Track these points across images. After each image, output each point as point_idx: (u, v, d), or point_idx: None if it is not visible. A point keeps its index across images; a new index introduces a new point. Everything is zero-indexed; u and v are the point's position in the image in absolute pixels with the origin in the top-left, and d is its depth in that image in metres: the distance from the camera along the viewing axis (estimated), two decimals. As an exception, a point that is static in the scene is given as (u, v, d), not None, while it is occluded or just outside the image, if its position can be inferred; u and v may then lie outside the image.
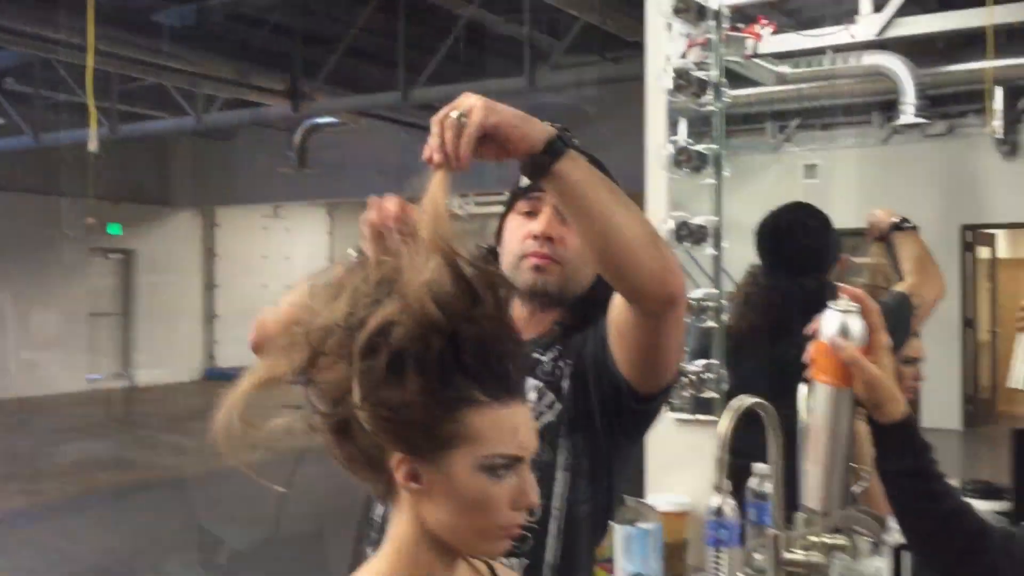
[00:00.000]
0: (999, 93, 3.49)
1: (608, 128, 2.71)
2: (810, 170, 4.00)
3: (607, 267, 1.42)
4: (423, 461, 1.04)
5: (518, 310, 1.64)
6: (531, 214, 1.68)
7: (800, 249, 2.52)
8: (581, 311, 1.66)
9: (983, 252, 6.25)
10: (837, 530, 2.11)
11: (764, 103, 3.54)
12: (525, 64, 8.89)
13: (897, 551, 2.05)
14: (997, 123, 3.35)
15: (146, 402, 14.46)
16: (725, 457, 1.97)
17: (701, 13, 2.52)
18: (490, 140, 1.30)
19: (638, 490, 2.53)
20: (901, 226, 2.58)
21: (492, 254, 1.71)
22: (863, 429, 2.06)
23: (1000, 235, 6.77)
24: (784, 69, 2.92)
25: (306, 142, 12.50)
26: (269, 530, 7.07)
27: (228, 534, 7.17)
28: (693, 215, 2.54)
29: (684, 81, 2.49)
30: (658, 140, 2.61)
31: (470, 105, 1.29)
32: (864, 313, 1.38)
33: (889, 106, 3.14)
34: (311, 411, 1.06)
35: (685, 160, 2.51)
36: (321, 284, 1.09)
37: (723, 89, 2.54)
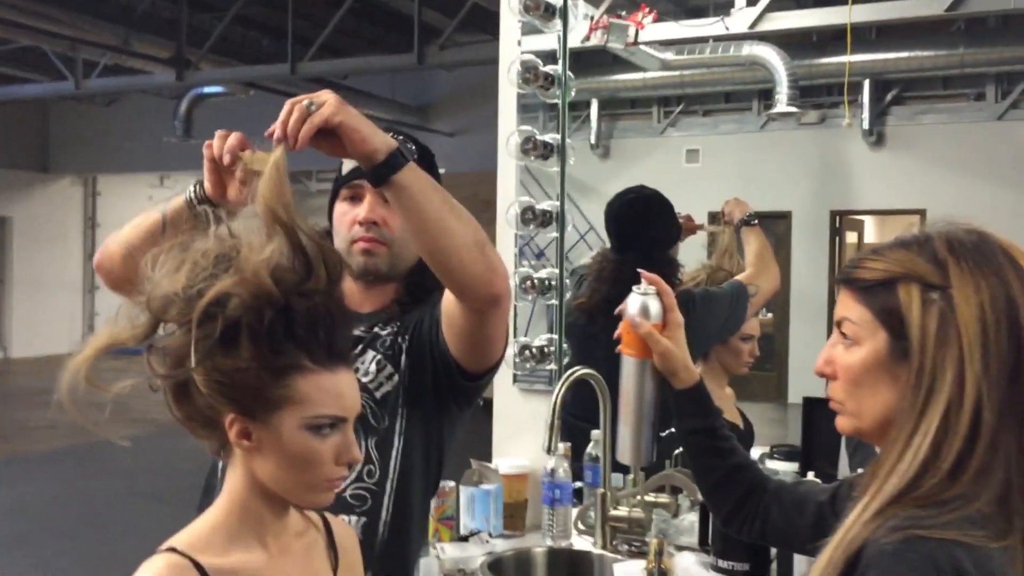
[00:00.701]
0: (867, 86, 3.66)
1: (493, 108, 2.80)
2: (692, 154, 4.12)
3: (436, 268, 1.54)
4: (254, 421, 1.14)
5: (355, 287, 1.77)
6: (355, 199, 1.78)
7: (639, 230, 2.77)
8: (416, 288, 1.79)
9: (851, 237, 6.51)
10: (660, 489, 2.30)
11: (649, 88, 3.64)
12: (415, 41, 8.87)
13: (705, 506, 2.21)
14: (865, 115, 3.52)
15: (21, 375, 13.98)
16: (557, 423, 2.15)
17: (550, 11, 2.66)
18: (333, 136, 1.39)
19: (485, 455, 2.66)
20: (749, 222, 2.83)
21: (328, 236, 1.80)
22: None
23: (867, 221, 7.06)
24: (668, 56, 3.02)
25: (192, 111, 12.21)
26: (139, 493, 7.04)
27: (100, 503, 7.12)
28: (547, 199, 2.73)
29: (531, 75, 2.64)
30: (508, 128, 2.75)
31: (324, 100, 1.38)
32: (660, 295, 1.56)
33: (767, 94, 3.26)
34: (152, 374, 1.15)
35: (531, 148, 2.68)
36: (164, 256, 1.17)
37: (569, 83, 2.71)
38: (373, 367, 1.73)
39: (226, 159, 1.47)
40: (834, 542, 1.07)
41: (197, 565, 1.13)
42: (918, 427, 1.08)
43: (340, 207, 1.81)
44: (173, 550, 1.15)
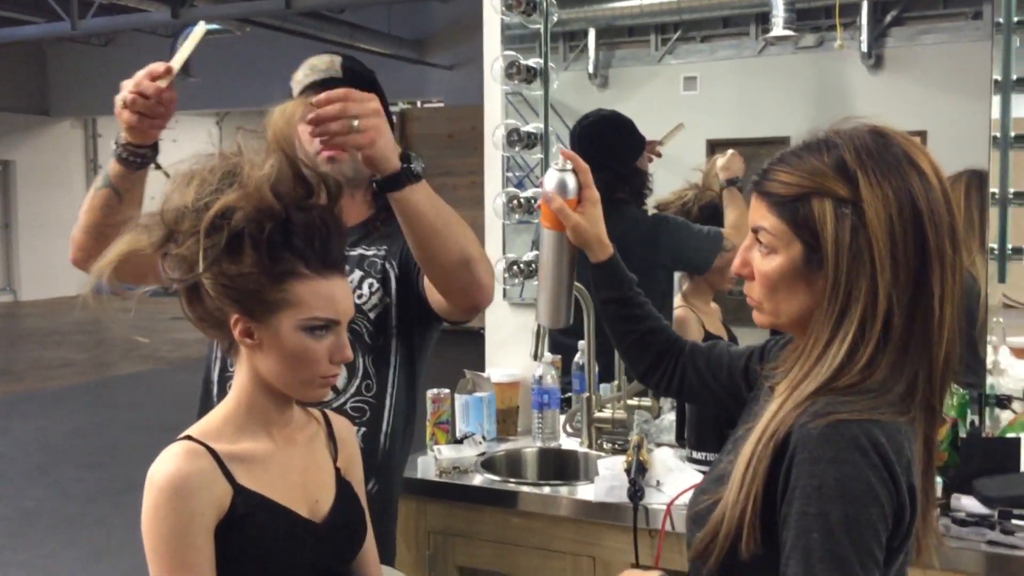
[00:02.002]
0: (865, 7, 3.64)
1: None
2: (690, 82, 4.11)
3: (427, 273, 1.66)
4: (256, 321, 1.28)
5: None
6: None
7: (604, 149, 2.87)
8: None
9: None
10: (643, 393, 2.42)
11: (647, 15, 3.64)
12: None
13: (681, 407, 2.38)
14: (864, 38, 3.51)
15: (31, 316, 14.12)
16: (543, 331, 2.35)
17: None
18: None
19: (479, 366, 2.79)
20: (734, 183, 2.93)
21: None
22: (690, 317, 2.42)
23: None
24: (666, -19, 3.03)
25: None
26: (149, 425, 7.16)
27: (114, 434, 7.30)
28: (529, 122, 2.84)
29: (514, 1, 2.74)
30: (494, 53, 2.83)
31: (367, 126, 1.49)
32: (577, 171, 1.61)
33: (765, 18, 3.26)
34: (168, 278, 1.29)
35: (516, 72, 2.77)
36: (178, 173, 1.30)
37: (551, 9, 2.80)
38: (367, 289, 1.85)
39: (151, 90, 1.65)
40: (755, 436, 1.17)
41: (211, 450, 1.27)
42: (835, 335, 1.18)
43: (302, 125, 1.88)
44: (189, 438, 1.29)
